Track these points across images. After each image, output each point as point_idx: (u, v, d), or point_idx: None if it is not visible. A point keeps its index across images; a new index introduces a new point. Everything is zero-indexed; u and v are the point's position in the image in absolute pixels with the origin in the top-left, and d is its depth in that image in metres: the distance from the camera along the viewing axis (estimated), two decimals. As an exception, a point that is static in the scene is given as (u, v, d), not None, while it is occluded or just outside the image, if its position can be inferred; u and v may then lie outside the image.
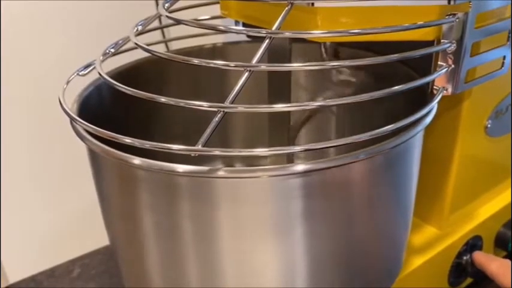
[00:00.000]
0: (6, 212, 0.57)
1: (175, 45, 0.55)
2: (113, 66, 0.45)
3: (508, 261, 0.45)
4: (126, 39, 0.40)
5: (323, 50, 0.47)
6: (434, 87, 0.37)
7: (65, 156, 0.58)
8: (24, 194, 0.58)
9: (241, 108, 0.29)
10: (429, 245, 0.48)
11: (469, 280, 0.53)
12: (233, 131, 0.56)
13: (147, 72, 0.48)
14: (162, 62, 0.46)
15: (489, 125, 0.47)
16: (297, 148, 0.30)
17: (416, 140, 0.36)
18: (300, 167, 0.29)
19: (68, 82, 0.38)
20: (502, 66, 0.40)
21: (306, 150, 0.30)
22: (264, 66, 0.31)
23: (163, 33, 0.59)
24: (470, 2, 0.34)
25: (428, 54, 0.35)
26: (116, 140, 0.30)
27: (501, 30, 0.38)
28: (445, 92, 0.37)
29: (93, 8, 0.56)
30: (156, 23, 0.46)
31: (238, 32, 0.42)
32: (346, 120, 0.54)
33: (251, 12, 0.42)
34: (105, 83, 0.36)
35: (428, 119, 0.34)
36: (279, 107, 0.30)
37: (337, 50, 0.48)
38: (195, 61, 0.31)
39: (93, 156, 0.36)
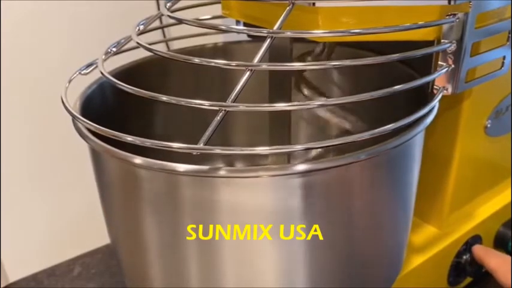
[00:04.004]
0: (6, 210, 0.57)
1: (176, 45, 0.55)
2: (114, 65, 0.45)
3: (507, 257, 0.45)
4: (128, 39, 0.40)
5: (324, 49, 0.47)
6: (435, 87, 0.37)
7: (65, 155, 0.58)
8: (25, 193, 0.58)
9: (242, 107, 0.29)
10: (429, 245, 0.48)
11: (468, 279, 0.53)
12: (234, 131, 0.56)
13: (148, 72, 0.48)
14: (163, 61, 0.46)
15: (489, 125, 0.47)
16: (297, 147, 0.30)
17: (417, 139, 0.36)
18: (301, 166, 0.29)
19: (70, 81, 0.38)
20: (502, 66, 0.40)
21: (306, 149, 0.30)
22: (265, 66, 0.31)
23: (163, 32, 0.59)
24: (470, 2, 0.34)
25: (429, 54, 0.35)
26: (117, 139, 0.30)
27: (501, 30, 0.38)
28: (445, 91, 0.37)
29: (94, 7, 0.56)
30: (157, 23, 0.47)
31: (239, 32, 0.42)
32: (347, 119, 0.54)
33: (252, 12, 0.42)
34: (107, 82, 0.36)
35: (429, 119, 0.34)
36: (280, 106, 0.30)
37: (338, 49, 0.48)
38: (197, 60, 0.31)
39: (95, 155, 0.36)
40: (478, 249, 0.48)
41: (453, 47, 0.35)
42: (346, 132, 0.53)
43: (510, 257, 0.44)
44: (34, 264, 0.62)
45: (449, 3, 0.34)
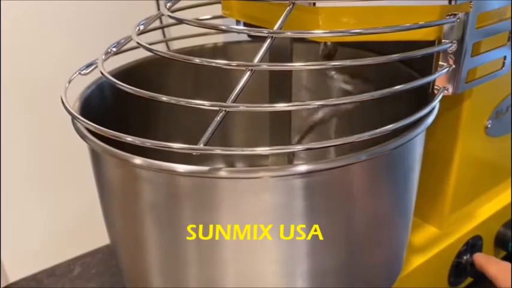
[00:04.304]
0: (6, 210, 0.57)
1: (176, 45, 0.55)
2: (114, 65, 0.45)
3: (508, 264, 0.45)
4: (128, 39, 0.40)
5: (324, 49, 0.47)
6: (435, 87, 0.37)
7: (65, 156, 0.58)
8: (25, 193, 0.58)
9: (242, 107, 0.29)
10: (429, 245, 0.48)
11: (469, 280, 0.53)
12: (234, 131, 0.56)
13: (148, 72, 0.48)
14: (163, 61, 0.46)
15: (489, 125, 0.47)
16: (297, 147, 0.30)
17: (418, 140, 0.36)
18: (302, 167, 0.29)
19: (69, 81, 0.38)
20: (503, 66, 0.40)
21: (306, 149, 0.30)
22: (265, 66, 0.31)
23: (163, 33, 0.59)
24: (471, 2, 0.34)
25: (429, 54, 0.35)
26: (117, 139, 0.30)
27: (502, 30, 0.38)
28: (445, 92, 0.37)
29: (94, 8, 0.56)
30: (157, 23, 0.46)
31: (239, 32, 0.42)
32: (347, 120, 0.54)
33: (252, 12, 0.42)
34: (106, 82, 0.36)
35: (430, 119, 0.34)
36: (280, 106, 0.30)
37: (338, 50, 0.48)
38: (197, 60, 0.31)
39: (94, 155, 0.36)
40: (478, 257, 0.48)
41: (454, 47, 0.35)
42: (347, 133, 0.53)
43: (510, 264, 0.44)
44: (34, 264, 0.62)
45: (449, 3, 0.34)
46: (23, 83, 0.54)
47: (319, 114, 0.55)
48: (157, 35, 0.57)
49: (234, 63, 0.30)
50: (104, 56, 0.39)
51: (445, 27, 0.35)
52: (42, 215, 0.60)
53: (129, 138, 0.29)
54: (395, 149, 0.32)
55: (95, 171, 0.37)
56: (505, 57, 0.40)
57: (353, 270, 0.37)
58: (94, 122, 0.32)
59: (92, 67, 0.39)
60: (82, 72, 0.39)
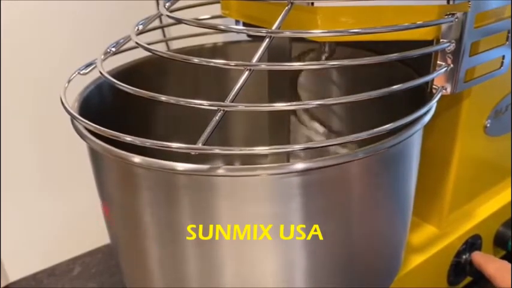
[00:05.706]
0: (6, 210, 0.58)
1: (175, 45, 0.56)
2: (113, 65, 0.45)
3: (506, 263, 0.45)
4: (127, 39, 0.41)
5: (323, 49, 0.47)
6: (434, 86, 0.37)
7: (65, 155, 0.58)
8: (25, 193, 0.58)
9: (241, 106, 0.29)
10: (428, 244, 0.48)
11: (468, 279, 0.53)
12: (233, 131, 0.57)
13: (147, 72, 0.48)
14: (162, 61, 0.46)
15: (488, 125, 0.47)
16: (296, 146, 0.30)
17: (415, 139, 0.36)
18: (299, 165, 0.29)
19: (69, 81, 0.38)
20: (501, 65, 0.40)
21: (305, 148, 0.30)
22: (264, 66, 0.31)
23: (163, 32, 0.59)
24: (469, 1, 0.34)
25: (428, 53, 0.35)
26: (116, 139, 0.30)
27: (500, 29, 0.38)
28: (444, 91, 0.37)
29: (94, 7, 0.56)
30: (156, 23, 0.47)
31: (238, 32, 0.42)
32: (346, 119, 0.54)
33: (251, 12, 0.42)
34: (105, 82, 0.36)
35: (427, 119, 0.34)
36: (279, 105, 0.30)
37: (337, 49, 0.48)
38: (196, 60, 0.31)
39: (94, 154, 0.36)
40: (477, 256, 0.48)
41: (452, 46, 0.35)
42: (345, 132, 0.53)
43: (508, 263, 0.44)
44: (34, 264, 0.62)
45: (448, 2, 0.34)
46: (22, 82, 0.54)
47: (318, 113, 0.55)
48: (157, 35, 0.57)
49: (232, 63, 0.30)
50: (103, 56, 0.39)
51: (443, 26, 0.35)
52: (42, 215, 0.60)
53: (129, 138, 0.29)
54: (393, 147, 0.32)
55: (95, 170, 0.38)
56: (503, 57, 0.40)
57: (351, 269, 0.37)
58: (93, 122, 0.32)
59: (91, 67, 0.40)
60: (81, 72, 0.39)
